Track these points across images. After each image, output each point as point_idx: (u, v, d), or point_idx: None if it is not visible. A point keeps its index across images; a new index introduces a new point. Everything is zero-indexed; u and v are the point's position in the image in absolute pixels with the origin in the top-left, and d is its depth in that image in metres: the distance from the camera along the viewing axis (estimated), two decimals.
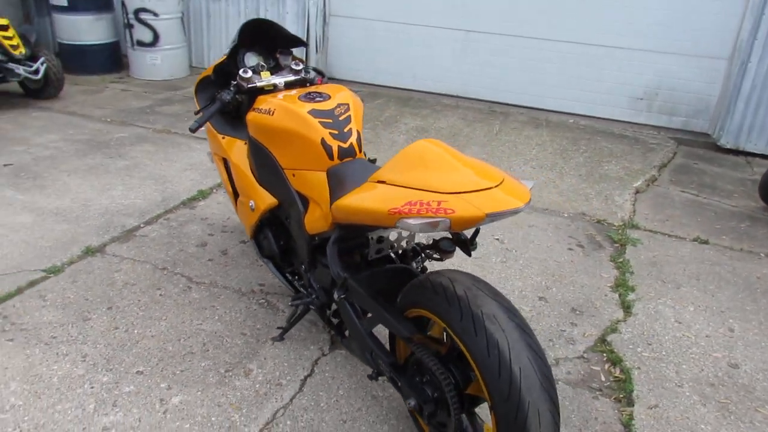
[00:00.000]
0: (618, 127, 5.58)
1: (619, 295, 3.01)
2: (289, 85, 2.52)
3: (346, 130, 2.16)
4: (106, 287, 2.75)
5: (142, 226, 3.37)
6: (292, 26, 6.44)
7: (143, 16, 6.29)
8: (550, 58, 5.87)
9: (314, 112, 2.16)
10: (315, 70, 2.72)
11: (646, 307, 2.91)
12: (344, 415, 2.12)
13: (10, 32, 5.15)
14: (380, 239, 2.07)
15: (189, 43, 6.96)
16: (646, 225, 3.81)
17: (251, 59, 2.71)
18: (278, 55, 2.67)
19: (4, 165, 4.03)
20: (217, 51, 6.98)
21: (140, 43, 6.43)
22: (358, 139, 2.18)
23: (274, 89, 2.51)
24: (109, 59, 6.63)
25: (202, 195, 3.80)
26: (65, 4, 6.21)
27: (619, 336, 2.68)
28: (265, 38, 2.67)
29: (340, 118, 2.18)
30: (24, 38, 5.34)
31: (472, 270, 3.15)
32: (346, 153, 2.13)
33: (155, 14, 6.30)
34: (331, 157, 2.11)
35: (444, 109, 5.91)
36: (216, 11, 6.80)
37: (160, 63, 6.51)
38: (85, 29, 6.38)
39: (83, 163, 4.19)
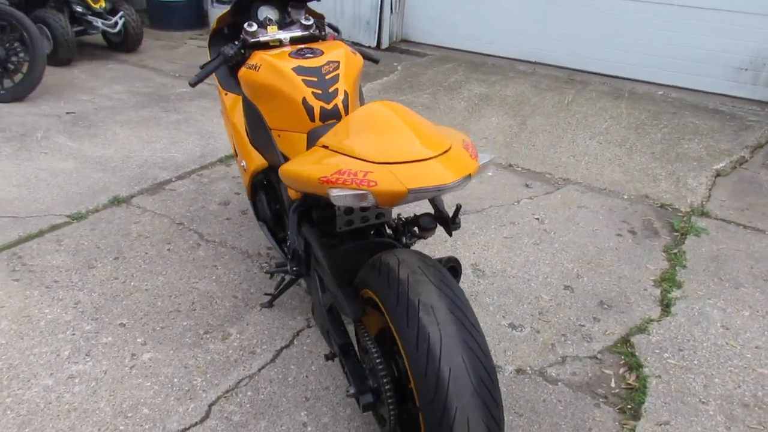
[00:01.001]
0: (713, 101, 4.95)
1: (661, 291, 2.65)
2: (295, 41, 2.37)
3: (331, 90, 1.98)
4: (119, 237, 2.80)
5: (173, 180, 3.40)
6: None
7: None
8: (639, 21, 5.28)
9: (299, 69, 2.00)
10: (330, 26, 2.55)
11: (689, 307, 2.54)
12: (309, 392, 2.01)
13: None
14: (348, 210, 1.90)
15: None
16: (719, 213, 3.34)
17: (265, 12, 2.58)
18: (290, 9, 2.53)
19: (67, 113, 4.22)
20: None
21: (219, 0, 6.50)
22: (345, 100, 1.99)
23: (279, 45, 2.37)
24: (192, 16, 6.78)
25: None
26: None
27: (646, 338, 2.36)
28: None
29: (327, 77, 2.00)
30: None
31: (497, 250, 2.90)
32: (330, 114, 1.96)
33: None
34: (312, 118, 1.96)
35: (517, 75, 5.51)
36: None
37: None
38: None
39: (138, 115, 4.30)
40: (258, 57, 2.14)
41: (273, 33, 2.38)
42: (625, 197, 3.53)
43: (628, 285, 2.70)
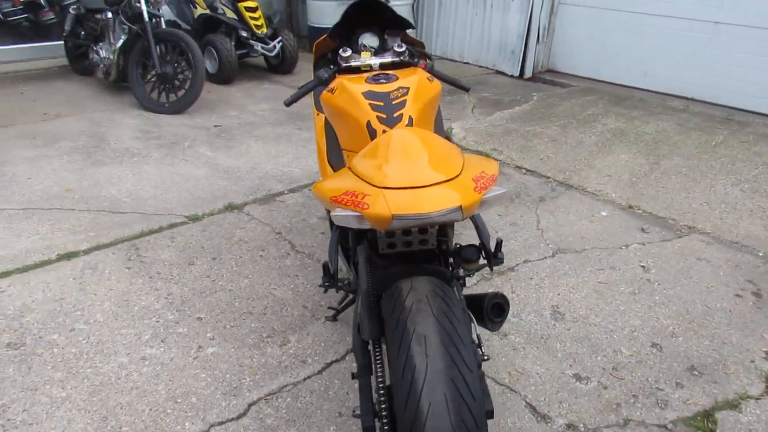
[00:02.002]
0: None
1: None
2: (385, 67, 2.45)
3: (395, 115, 2.02)
4: (223, 240, 3.07)
5: (285, 192, 3.64)
6: (516, 15, 6.19)
7: None
8: None
9: (368, 94, 2.07)
10: (424, 54, 2.60)
11: None
12: (344, 408, 2.04)
13: (257, 14, 5.96)
14: (390, 233, 1.90)
15: (418, 29, 7.19)
16: None
17: (365, 39, 2.70)
18: (386, 36, 2.62)
19: (215, 126, 4.72)
20: (444, 37, 7.08)
21: None
22: (409, 125, 2.02)
23: (370, 70, 2.47)
24: None
25: None
26: None
27: (734, 415, 2.05)
28: (379, 19, 2.64)
29: (393, 102, 2.05)
30: (268, 19, 6.13)
31: (585, 294, 2.71)
32: None
33: (386, 0, 6.63)
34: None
35: (664, 111, 5.09)
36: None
37: None
38: (329, 13, 7.02)
39: (274, 131, 4.68)
40: (338, 80, 2.25)
41: (364, 59, 2.48)
42: (761, 254, 3.10)
43: (731, 353, 2.37)
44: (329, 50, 2.77)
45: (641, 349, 2.38)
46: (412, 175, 1.35)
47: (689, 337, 2.46)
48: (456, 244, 1.98)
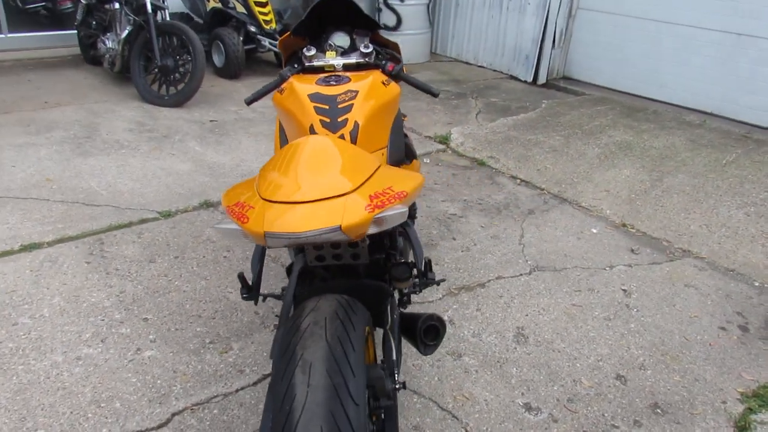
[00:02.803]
0: None
1: (745, 409, 2.11)
2: (349, 68, 2.34)
3: (340, 120, 1.92)
4: (190, 239, 3.00)
5: None
6: (531, 19, 6.01)
7: (391, 1, 6.57)
8: None
9: (314, 96, 1.97)
10: (392, 54, 2.48)
11: None
12: None
13: (267, 9, 5.90)
14: (318, 245, 1.80)
15: (433, 30, 7.06)
16: None
17: (337, 39, 2.60)
18: (354, 36, 2.52)
19: (210, 120, 4.68)
20: (460, 39, 6.93)
21: (386, 27, 6.75)
22: (354, 131, 1.91)
23: (333, 70, 2.37)
24: None
25: None
26: None
27: None
28: (350, 19, 2.53)
29: (339, 106, 1.94)
30: (279, 15, 6.08)
31: (555, 317, 2.56)
32: None
33: (401, 0, 6.52)
34: None
35: (678, 126, 4.86)
36: (464, 0, 6.73)
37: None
38: None
39: (270, 128, 4.61)
40: (288, 81, 2.16)
41: (328, 59, 2.38)
42: (756, 284, 2.90)
43: (702, 391, 2.20)
44: (299, 48, 2.67)
45: (603, 380, 2.23)
46: (298, 189, 1.25)
47: (659, 371, 2.29)
48: (398, 260, 1.87)
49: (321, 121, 1.92)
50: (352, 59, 2.35)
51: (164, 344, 2.27)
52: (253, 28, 5.86)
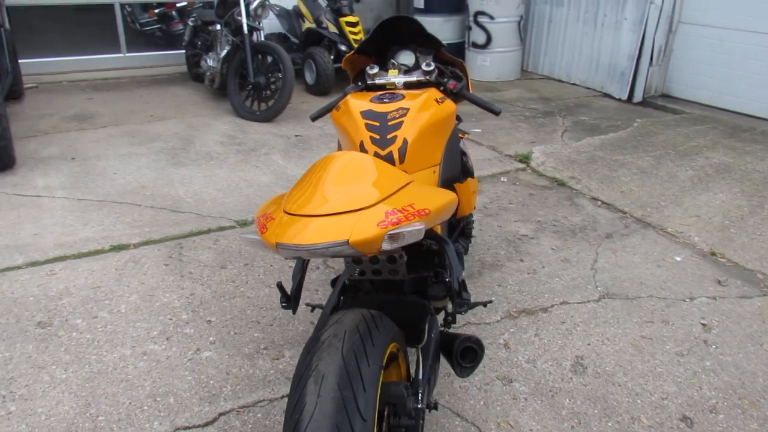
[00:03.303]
0: None
1: None
2: (410, 86, 2.37)
3: (389, 137, 1.94)
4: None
5: None
6: (628, 34, 5.76)
7: (480, 18, 6.54)
8: None
9: (366, 113, 2.01)
10: (455, 73, 2.48)
11: None
12: None
13: (357, 29, 6.08)
14: (357, 260, 1.82)
15: (524, 47, 6.94)
16: None
17: (402, 57, 2.64)
18: (417, 54, 2.55)
19: (296, 135, 4.87)
20: (552, 56, 6.77)
21: (474, 45, 6.73)
22: (403, 148, 1.93)
23: (394, 88, 2.41)
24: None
25: None
26: (422, 6, 6.93)
27: None
28: (414, 37, 2.57)
29: (389, 123, 1.97)
30: (369, 33, 6.22)
31: (620, 348, 2.42)
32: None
33: (491, 17, 6.47)
34: None
35: None
36: (558, 17, 6.57)
37: (489, 65, 6.69)
38: (434, 30, 6.98)
39: None
40: (345, 99, 2.21)
41: (390, 76, 2.42)
42: None
43: None
44: (365, 66, 2.73)
45: (666, 420, 2.07)
46: (317, 203, 1.27)
47: (733, 416, 2.10)
48: (439, 278, 1.86)
49: (371, 137, 1.95)
50: (413, 77, 2.38)
51: (222, 347, 2.38)
52: (343, 47, 6.05)
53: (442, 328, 2.04)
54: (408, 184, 1.45)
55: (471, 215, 2.49)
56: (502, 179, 4.13)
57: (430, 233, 1.74)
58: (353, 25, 6.06)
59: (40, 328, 2.45)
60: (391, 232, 1.24)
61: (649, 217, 3.57)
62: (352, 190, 1.32)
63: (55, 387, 2.13)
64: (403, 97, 2.09)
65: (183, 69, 6.62)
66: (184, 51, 6.43)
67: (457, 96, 2.44)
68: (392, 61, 2.50)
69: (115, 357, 2.30)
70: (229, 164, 4.22)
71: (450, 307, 1.97)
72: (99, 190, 3.72)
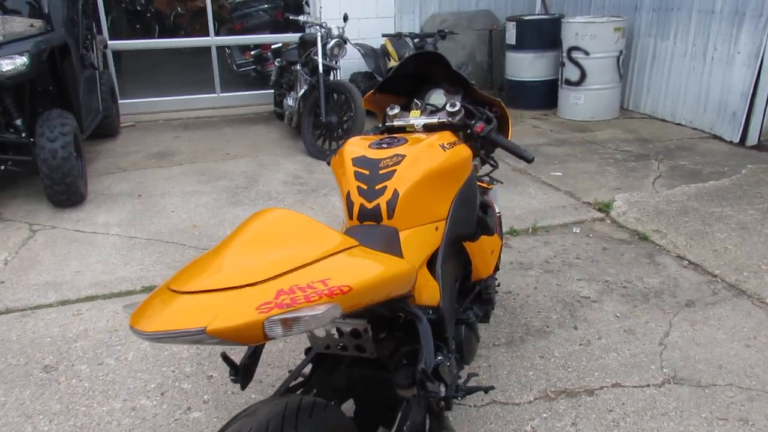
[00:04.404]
0: None
1: None
2: (430, 128, 2.12)
3: (377, 188, 1.70)
4: None
5: None
6: (742, 69, 5.09)
7: (575, 54, 6.11)
8: None
9: (359, 160, 1.78)
10: (485, 115, 2.18)
11: None
12: None
13: None
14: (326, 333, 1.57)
15: (625, 84, 6.39)
16: None
17: (434, 96, 2.40)
18: (445, 94, 2.29)
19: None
20: (655, 93, 6.17)
21: (567, 82, 6.29)
22: (392, 201, 1.67)
23: (414, 131, 2.17)
24: (544, 96, 6.72)
25: None
26: (513, 42, 6.63)
27: None
28: (447, 75, 2.32)
29: (380, 172, 1.72)
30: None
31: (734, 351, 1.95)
32: (368, 215, 1.68)
33: (586, 53, 6.03)
34: (350, 215, 1.73)
35: None
36: (662, 51, 5.99)
37: (582, 103, 6.21)
38: (526, 66, 6.66)
39: None
40: (344, 143, 2.00)
41: (408, 118, 2.18)
42: None
43: None
44: (397, 104, 2.51)
45: None
46: (203, 275, 1.05)
47: None
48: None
49: (358, 188, 1.72)
50: (433, 119, 2.12)
51: (214, 408, 2.19)
52: None
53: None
54: (342, 251, 1.19)
55: (491, 278, 2.15)
56: (574, 230, 3.69)
57: (398, 306, 1.46)
58: None
59: (44, 372, 2.41)
60: (275, 318, 0.99)
61: (744, 284, 2.99)
62: (253, 260, 1.09)
63: None
64: (406, 141, 1.84)
65: (271, 108, 6.76)
66: (272, 91, 6.58)
67: (484, 141, 2.15)
68: (415, 101, 2.27)
69: (103, 411, 2.19)
70: (284, 205, 4.13)
71: (442, 389, 1.66)
72: (152, 228, 3.76)
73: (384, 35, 6.33)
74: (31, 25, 4.05)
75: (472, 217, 1.98)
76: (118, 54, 6.90)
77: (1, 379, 2.38)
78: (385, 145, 1.83)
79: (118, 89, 6.55)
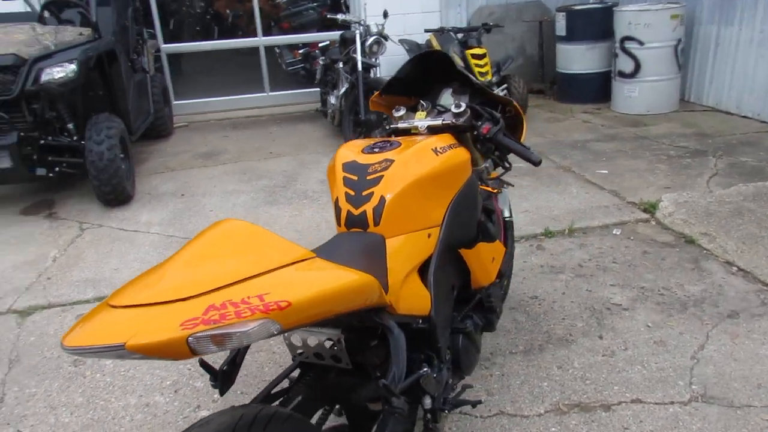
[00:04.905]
0: None
1: None
2: (434, 130, 2.07)
3: (364, 193, 1.67)
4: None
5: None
6: None
7: (628, 45, 5.82)
8: None
9: (348, 165, 1.76)
10: (492, 116, 2.11)
11: None
12: None
13: (483, 61, 5.75)
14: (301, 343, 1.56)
15: (685, 75, 6.04)
16: None
17: (446, 97, 2.34)
18: (452, 95, 2.23)
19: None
20: (719, 84, 5.80)
21: (621, 74, 6.01)
22: (379, 208, 1.64)
23: (417, 133, 2.12)
24: (597, 89, 6.45)
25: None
26: (564, 34, 6.39)
27: None
28: (454, 76, 2.26)
29: (368, 177, 1.69)
30: (497, 66, 5.87)
31: None
32: (355, 222, 1.66)
33: (640, 43, 5.73)
34: (338, 221, 1.71)
35: None
36: (726, 38, 5.62)
37: (637, 95, 5.92)
38: (577, 58, 6.41)
39: None
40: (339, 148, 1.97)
41: (412, 120, 2.13)
42: None
43: None
44: (408, 106, 2.47)
45: None
46: (139, 289, 1.05)
47: None
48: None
49: (346, 194, 1.70)
50: (437, 121, 2.07)
51: (222, 407, 2.22)
52: None
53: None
54: (292, 264, 1.17)
55: (495, 286, 2.07)
56: (614, 231, 3.52)
57: (368, 317, 1.43)
58: (479, 57, 5.75)
59: (73, 366, 2.52)
60: (201, 335, 0.97)
61: None
62: (194, 274, 1.08)
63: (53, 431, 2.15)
64: (399, 145, 1.80)
65: (317, 106, 6.82)
66: (319, 89, 6.64)
67: (491, 142, 2.07)
68: (421, 102, 2.21)
69: (119, 405, 2.26)
70: (319, 204, 4.15)
71: (426, 401, 1.62)
72: (189, 226, 3.87)
73: (426, 30, 6.25)
74: (81, 34, 4.25)
75: (471, 223, 1.91)
76: (173, 57, 7.15)
77: (34, 371, 2.51)
78: (377, 150, 1.79)
79: (173, 91, 6.79)
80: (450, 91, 2.33)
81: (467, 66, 5.79)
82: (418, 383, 1.54)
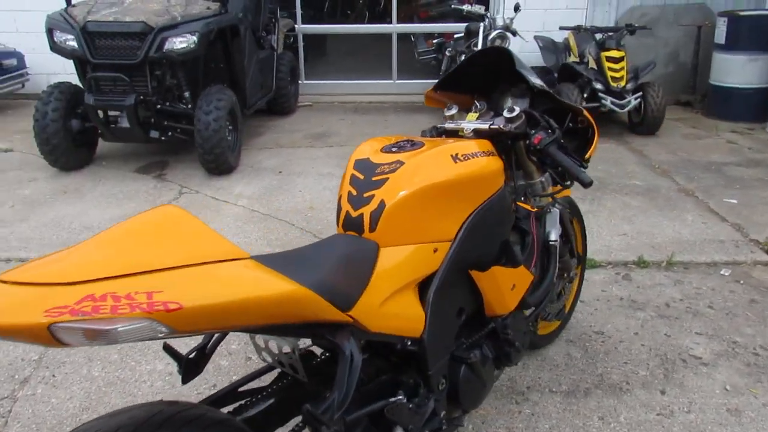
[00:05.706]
0: None
1: None
2: (480, 134, 1.89)
3: (366, 195, 1.55)
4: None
5: None
6: None
7: None
8: None
9: (360, 163, 1.65)
10: (549, 124, 1.87)
11: None
12: None
13: (619, 65, 5.25)
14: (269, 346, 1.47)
15: None
16: None
17: (509, 101, 2.13)
18: (510, 98, 2.01)
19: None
20: None
21: None
22: (377, 212, 1.51)
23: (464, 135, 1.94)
24: (752, 106, 5.63)
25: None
26: (723, 41, 5.65)
27: None
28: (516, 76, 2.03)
29: (373, 178, 1.57)
30: (635, 71, 5.33)
31: None
32: (352, 224, 1.56)
33: None
34: (337, 221, 1.61)
35: None
36: None
37: None
38: (735, 70, 5.63)
39: None
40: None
41: (460, 121, 1.96)
42: None
43: None
44: (466, 105, 2.28)
45: None
46: (34, 268, 1.00)
47: None
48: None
49: (349, 193, 1.60)
50: (484, 125, 1.87)
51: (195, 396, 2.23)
52: (599, 86, 5.29)
53: None
54: (211, 263, 1.08)
55: (516, 317, 1.83)
56: (722, 271, 3.03)
57: (319, 332, 1.31)
58: (615, 60, 5.25)
59: None
60: (68, 325, 0.92)
61: None
62: (97, 258, 1.03)
63: (82, 382, 2.27)
64: (421, 146, 1.65)
65: None
66: None
67: (541, 154, 1.83)
68: (476, 102, 2.03)
69: (145, 369, 2.35)
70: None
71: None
72: (274, 204, 3.95)
73: (561, 28, 5.83)
74: (208, 8, 4.48)
75: (494, 243, 1.71)
76: (310, 38, 7.36)
77: None
78: (395, 149, 1.65)
79: (304, 71, 7.00)
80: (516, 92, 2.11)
81: (600, 69, 5.33)
82: (381, 412, 1.40)
